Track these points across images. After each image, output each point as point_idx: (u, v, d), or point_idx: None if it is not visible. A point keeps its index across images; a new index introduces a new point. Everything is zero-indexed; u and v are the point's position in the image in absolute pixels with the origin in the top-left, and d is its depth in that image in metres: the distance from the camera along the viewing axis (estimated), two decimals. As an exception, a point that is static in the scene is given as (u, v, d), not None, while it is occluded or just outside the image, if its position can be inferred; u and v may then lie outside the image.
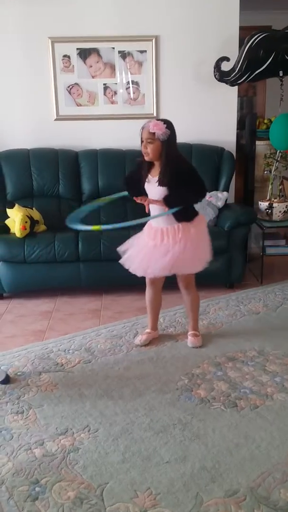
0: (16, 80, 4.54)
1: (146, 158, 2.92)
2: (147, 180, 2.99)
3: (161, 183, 2.89)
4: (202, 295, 3.84)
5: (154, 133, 2.82)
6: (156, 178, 2.92)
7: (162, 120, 2.90)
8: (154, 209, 3.01)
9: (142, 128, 2.89)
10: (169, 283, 3.21)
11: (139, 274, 3.11)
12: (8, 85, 4.54)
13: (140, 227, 3.15)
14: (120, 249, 3.13)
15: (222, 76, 4.36)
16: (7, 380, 2.85)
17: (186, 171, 2.92)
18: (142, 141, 2.90)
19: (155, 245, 3.01)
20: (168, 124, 2.86)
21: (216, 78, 4.38)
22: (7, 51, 4.47)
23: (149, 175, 2.98)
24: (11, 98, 4.57)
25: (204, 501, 1.97)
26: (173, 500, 1.98)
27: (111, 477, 2.11)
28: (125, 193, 3.23)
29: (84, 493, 2.03)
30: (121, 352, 3.21)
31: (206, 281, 3.90)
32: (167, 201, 2.89)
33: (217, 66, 4.35)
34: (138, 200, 3.00)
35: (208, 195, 4.31)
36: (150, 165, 2.98)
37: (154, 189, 2.95)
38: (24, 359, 3.14)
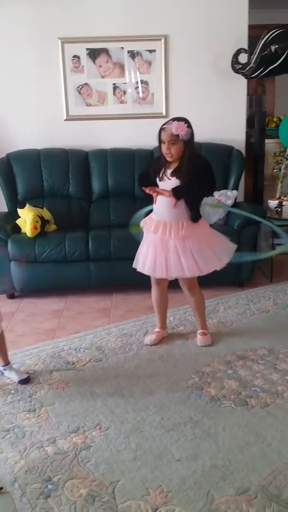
0: (26, 80, 4.57)
1: (170, 159, 2.91)
2: (161, 177, 2.97)
3: (177, 175, 2.88)
4: (212, 294, 3.86)
5: (177, 135, 2.82)
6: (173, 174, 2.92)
7: (180, 119, 2.87)
8: (163, 203, 2.99)
9: (162, 129, 2.87)
10: (176, 282, 3.21)
11: (142, 270, 3.12)
12: (18, 86, 4.57)
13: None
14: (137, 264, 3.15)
15: (238, 69, 4.36)
16: (27, 380, 2.87)
17: (203, 169, 2.92)
18: (162, 142, 2.87)
19: (158, 239, 3.00)
20: (188, 123, 2.86)
21: (233, 70, 4.38)
22: (18, 52, 4.50)
23: (168, 170, 2.95)
24: (22, 99, 4.60)
25: (215, 499, 1.98)
26: (184, 497, 1.99)
27: (122, 474, 2.13)
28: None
29: (96, 490, 2.05)
30: (132, 350, 3.23)
31: (215, 279, 3.91)
32: (176, 191, 2.89)
33: (235, 57, 4.34)
34: (148, 190, 2.97)
35: (217, 193, 4.32)
36: (168, 162, 2.96)
37: (168, 184, 2.93)
38: (36, 357, 3.17)
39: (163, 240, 2.99)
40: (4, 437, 2.40)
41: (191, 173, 2.86)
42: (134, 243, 3.19)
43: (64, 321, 3.76)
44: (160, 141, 2.90)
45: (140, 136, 4.56)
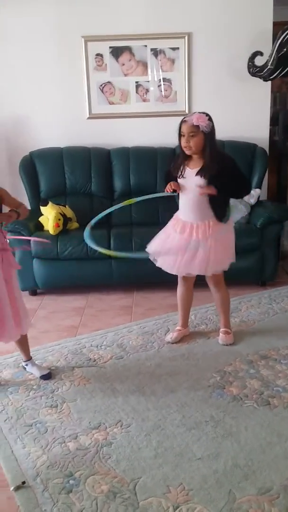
0: (50, 79, 4.59)
1: (188, 152, 2.89)
2: (182, 174, 2.95)
3: (202, 174, 2.86)
4: (234, 293, 3.83)
5: (197, 126, 2.79)
6: (195, 171, 2.89)
7: (202, 112, 2.86)
8: (185, 203, 2.99)
9: (182, 122, 2.85)
10: (201, 280, 3.21)
11: (168, 270, 3.11)
12: (42, 85, 4.60)
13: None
14: (149, 247, 3.14)
15: (255, 71, 4.32)
16: (48, 376, 2.90)
17: (231, 166, 2.90)
18: (182, 135, 2.86)
19: (183, 239, 2.99)
20: (209, 117, 2.84)
21: (250, 73, 4.34)
22: (42, 51, 4.53)
23: (187, 168, 2.94)
24: (45, 97, 4.63)
25: (237, 498, 1.96)
26: (205, 496, 1.98)
27: (143, 472, 2.13)
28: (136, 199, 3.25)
29: (117, 487, 2.05)
30: (153, 348, 3.23)
31: (238, 278, 3.89)
32: (219, 188, 2.87)
33: (251, 60, 4.31)
34: (172, 186, 2.95)
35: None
36: (187, 159, 2.95)
37: (191, 181, 2.91)
38: (58, 354, 3.19)
39: (188, 240, 2.98)
40: (26, 432, 2.42)
41: (215, 170, 2.84)
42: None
43: (85, 318, 3.77)
44: (180, 135, 2.88)
45: (162, 134, 4.54)
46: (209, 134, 2.83)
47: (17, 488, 2.06)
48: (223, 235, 3.00)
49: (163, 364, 3.02)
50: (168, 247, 3.06)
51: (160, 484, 2.06)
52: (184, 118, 2.87)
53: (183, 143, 2.87)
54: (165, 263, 3.11)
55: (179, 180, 2.98)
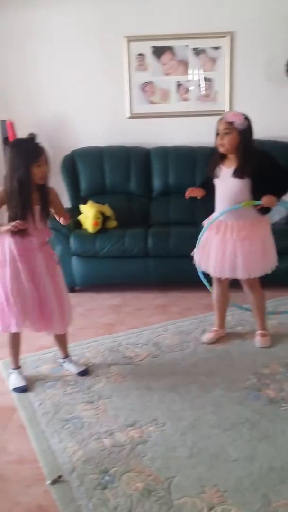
0: (92, 79, 4.65)
1: (222, 150, 2.89)
2: (218, 174, 2.95)
3: (237, 175, 2.86)
4: (271, 295, 3.79)
5: (231, 123, 2.79)
6: (230, 170, 2.89)
7: (239, 112, 2.86)
8: (221, 203, 2.97)
9: (219, 120, 2.86)
10: (237, 281, 3.18)
11: (204, 270, 3.12)
12: (84, 84, 4.66)
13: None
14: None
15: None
16: (85, 372, 2.94)
17: (270, 162, 2.87)
18: (217, 134, 2.86)
19: (219, 240, 2.99)
20: (247, 117, 2.83)
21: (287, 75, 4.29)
22: (84, 51, 4.58)
23: (223, 167, 2.93)
24: (87, 97, 4.69)
25: (272, 502, 1.95)
26: (240, 498, 1.97)
27: (178, 471, 2.14)
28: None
29: (152, 485, 2.06)
30: (189, 348, 3.23)
31: (275, 280, 3.83)
32: (277, 190, 2.86)
33: None
34: (190, 193, 2.98)
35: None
36: (223, 158, 2.94)
37: (227, 182, 2.91)
38: (94, 350, 3.23)
39: (223, 240, 2.98)
40: (63, 426, 2.46)
41: (249, 171, 2.82)
42: (193, 240, 3.18)
43: (122, 316, 3.80)
44: (216, 134, 2.88)
45: (202, 134, 4.51)
46: (244, 132, 2.81)
47: (54, 482, 2.10)
48: (260, 236, 2.97)
49: (198, 364, 3.02)
50: (207, 249, 3.07)
51: (194, 484, 2.06)
52: (221, 116, 2.87)
53: (218, 141, 2.87)
54: (204, 264, 3.12)
55: (215, 180, 2.97)
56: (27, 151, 2.53)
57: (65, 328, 2.88)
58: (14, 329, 2.69)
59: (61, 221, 2.82)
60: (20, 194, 2.53)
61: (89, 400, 2.68)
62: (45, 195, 2.66)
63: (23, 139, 2.60)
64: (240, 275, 3.03)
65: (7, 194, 2.56)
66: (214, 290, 3.27)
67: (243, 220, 2.94)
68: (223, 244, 2.99)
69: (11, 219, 2.57)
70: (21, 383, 2.82)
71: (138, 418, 2.51)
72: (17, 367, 2.89)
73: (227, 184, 2.92)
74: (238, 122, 2.78)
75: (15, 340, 2.82)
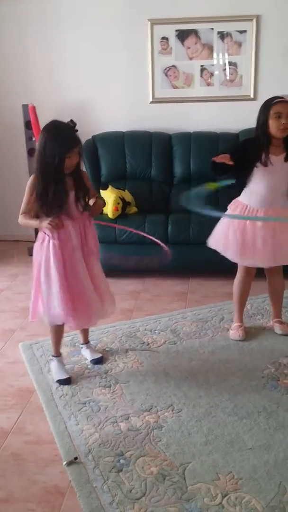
0: (114, 63, 4.61)
1: (284, 134, 2.74)
2: (264, 162, 2.80)
3: None
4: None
5: None
6: (282, 157, 2.80)
7: None
8: (265, 190, 2.85)
9: (278, 102, 2.71)
10: (258, 269, 3.13)
11: (234, 260, 3.04)
12: (107, 68, 4.63)
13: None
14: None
15: None
16: (99, 360, 2.93)
17: None
18: (276, 117, 2.70)
19: (267, 228, 2.88)
20: None
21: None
22: (108, 34, 4.55)
23: (272, 156, 2.80)
24: (109, 81, 4.66)
25: None
26: (255, 486, 1.97)
27: (193, 457, 2.14)
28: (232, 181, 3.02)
29: (166, 470, 2.07)
30: (207, 336, 3.22)
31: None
32: None
33: None
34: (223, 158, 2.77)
35: None
36: (268, 145, 2.80)
37: (281, 169, 2.81)
38: (112, 335, 3.24)
39: (254, 228, 2.90)
40: (80, 409, 2.49)
41: None
42: (213, 228, 3.14)
43: (141, 302, 3.81)
44: (267, 118, 2.74)
45: (226, 119, 4.48)
46: None
47: (69, 463, 2.13)
48: None
49: (216, 352, 3.01)
50: (248, 241, 2.95)
51: (209, 471, 2.06)
52: (278, 99, 2.73)
53: (280, 126, 2.71)
54: (233, 253, 3.00)
55: (262, 168, 2.81)
56: (62, 140, 2.40)
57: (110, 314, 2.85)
58: (59, 322, 2.66)
59: (91, 202, 2.67)
60: (52, 181, 2.42)
61: (106, 384, 2.70)
62: (80, 179, 2.56)
63: (61, 124, 2.47)
64: (285, 261, 2.98)
65: (40, 183, 2.45)
66: (242, 284, 3.15)
67: (278, 206, 2.88)
68: (271, 232, 2.87)
69: (47, 206, 2.46)
70: (63, 375, 2.75)
71: (154, 404, 2.52)
72: (58, 354, 2.83)
73: (281, 172, 2.82)
74: None
75: (58, 327, 2.74)
